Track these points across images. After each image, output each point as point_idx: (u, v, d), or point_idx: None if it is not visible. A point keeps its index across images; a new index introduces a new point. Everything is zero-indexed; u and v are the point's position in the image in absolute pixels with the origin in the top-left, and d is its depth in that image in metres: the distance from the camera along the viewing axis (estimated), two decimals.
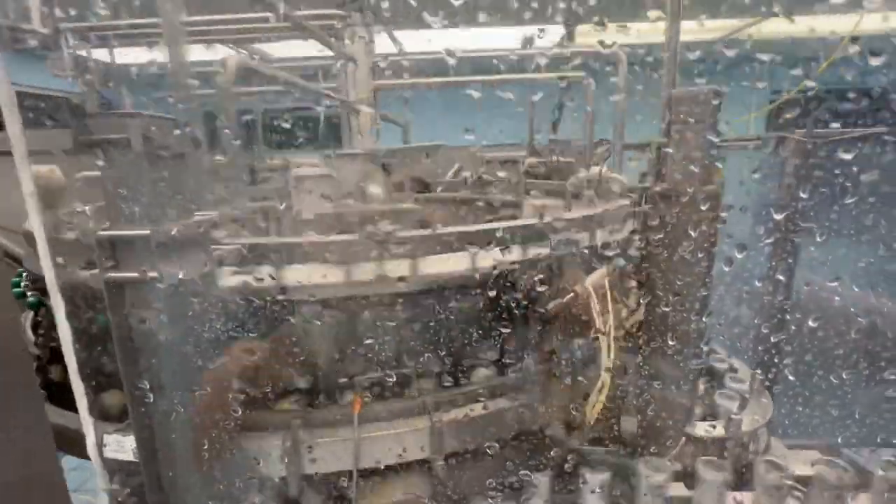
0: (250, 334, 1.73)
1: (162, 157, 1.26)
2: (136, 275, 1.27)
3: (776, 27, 5.49)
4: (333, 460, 1.74)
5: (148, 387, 1.44)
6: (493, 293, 1.87)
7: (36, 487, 1.02)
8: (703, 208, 1.89)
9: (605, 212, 2.29)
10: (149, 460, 1.50)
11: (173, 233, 1.28)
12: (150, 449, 1.50)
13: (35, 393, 1.13)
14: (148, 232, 1.26)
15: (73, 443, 1.80)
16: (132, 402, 1.47)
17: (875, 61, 1.87)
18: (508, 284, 1.94)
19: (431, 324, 1.86)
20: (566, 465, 1.99)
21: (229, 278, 1.57)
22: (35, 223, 1.45)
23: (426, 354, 1.89)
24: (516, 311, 1.95)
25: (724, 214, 1.98)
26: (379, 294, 1.76)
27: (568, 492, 1.98)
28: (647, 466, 1.97)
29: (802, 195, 3.21)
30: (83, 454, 1.75)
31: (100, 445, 1.72)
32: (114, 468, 1.73)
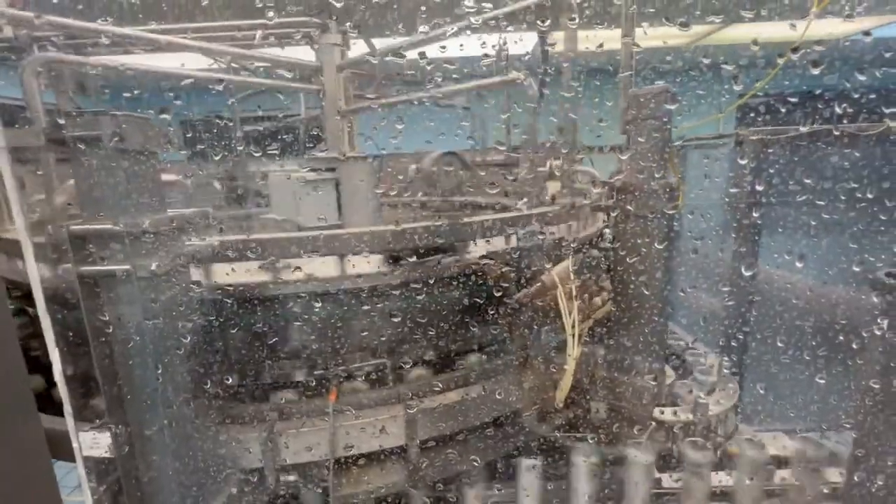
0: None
1: (133, 154, 1.30)
2: (111, 268, 1.30)
3: (746, 32, 5.71)
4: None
5: (123, 382, 1.46)
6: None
7: (31, 494, 1.02)
8: (659, 199, 1.99)
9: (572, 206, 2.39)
10: (126, 457, 1.52)
11: (145, 226, 1.32)
12: (126, 445, 1.52)
13: (28, 399, 1.13)
14: (121, 227, 1.30)
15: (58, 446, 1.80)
16: (108, 398, 1.50)
17: (817, 68, 2.00)
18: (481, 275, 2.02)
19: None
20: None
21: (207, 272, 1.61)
22: (20, 225, 1.47)
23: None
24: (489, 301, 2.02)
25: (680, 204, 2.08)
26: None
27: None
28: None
29: (759, 188, 3.38)
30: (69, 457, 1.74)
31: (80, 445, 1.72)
32: (91, 467, 1.74)
